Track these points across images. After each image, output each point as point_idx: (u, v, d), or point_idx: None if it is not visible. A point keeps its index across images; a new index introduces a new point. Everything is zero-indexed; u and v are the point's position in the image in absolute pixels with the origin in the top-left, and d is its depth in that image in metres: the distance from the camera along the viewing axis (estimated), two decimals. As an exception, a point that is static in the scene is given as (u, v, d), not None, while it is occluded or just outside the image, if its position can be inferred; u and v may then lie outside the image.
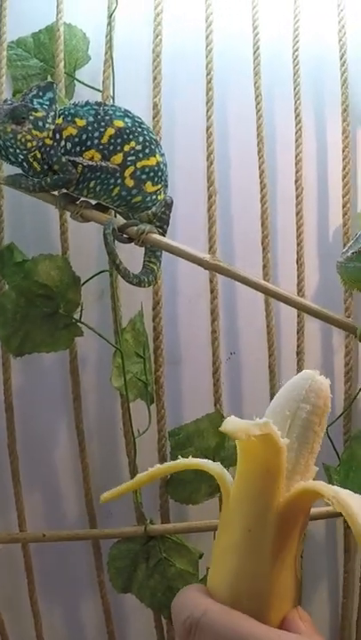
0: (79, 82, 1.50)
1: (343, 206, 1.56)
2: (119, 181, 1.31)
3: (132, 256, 1.42)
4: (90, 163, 1.28)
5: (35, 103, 1.26)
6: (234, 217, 1.62)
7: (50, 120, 1.27)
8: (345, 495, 0.74)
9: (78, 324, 1.39)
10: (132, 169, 1.32)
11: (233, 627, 0.69)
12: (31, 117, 1.25)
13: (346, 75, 1.57)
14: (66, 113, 1.29)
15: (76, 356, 1.50)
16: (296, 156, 1.57)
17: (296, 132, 1.57)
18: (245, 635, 0.68)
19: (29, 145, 1.25)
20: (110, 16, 1.47)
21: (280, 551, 0.76)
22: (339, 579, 1.69)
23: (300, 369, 1.58)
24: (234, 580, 0.75)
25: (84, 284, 1.40)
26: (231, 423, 0.74)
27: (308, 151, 1.61)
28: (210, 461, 0.81)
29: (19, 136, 1.24)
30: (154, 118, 1.48)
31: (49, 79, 1.41)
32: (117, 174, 1.30)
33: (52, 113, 1.27)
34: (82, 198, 1.36)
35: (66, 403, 1.54)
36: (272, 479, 0.75)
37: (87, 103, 1.30)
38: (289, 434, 0.79)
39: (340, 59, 1.57)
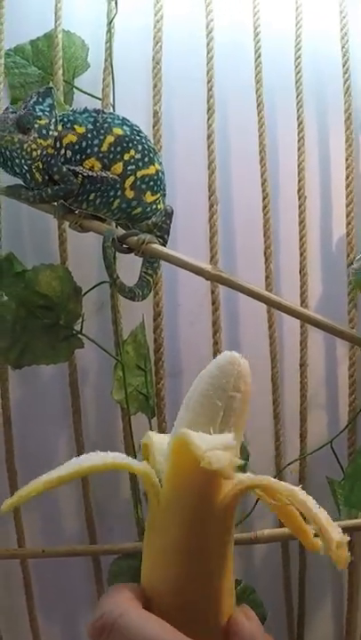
0: (78, 89, 1.48)
1: (347, 216, 1.55)
2: (119, 193, 1.29)
3: (131, 267, 1.40)
4: (90, 173, 1.26)
5: (37, 110, 1.24)
6: (236, 227, 1.61)
7: (52, 127, 1.25)
8: (301, 492, 0.72)
9: (79, 335, 1.37)
10: (132, 179, 1.30)
11: (145, 632, 0.66)
12: (36, 126, 1.23)
13: (349, 82, 1.56)
14: (65, 120, 1.27)
15: (76, 368, 1.48)
16: (298, 165, 1.56)
17: (298, 141, 1.56)
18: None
19: (34, 154, 1.23)
20: (110, 23, 1.46)
21: (223, 547, 0.73)
22: (343, 593, 1.67)
23: (303, 381, 1.57)
24: (179, 584, 0.71)
25: (84, 295, 1.38)
26: (215, 459, 0.66)
27: (310, 160, 1.60)
28: (134, 460, 0.76)
29: (25, 146, 1.22)
30: (154, 127, 1.46)
31: (48, 85, 1.39)
32: (117, 186, 1.29)
33: (54, 119, 1.25)
34: (80, 209, 1.35)
35: (65, 416, 1.52)
36: (213, 479, 0.72)
37: (85, 110, 1.29)
38: (222, 425, 0.75)
39: (343, 66, 1.56)
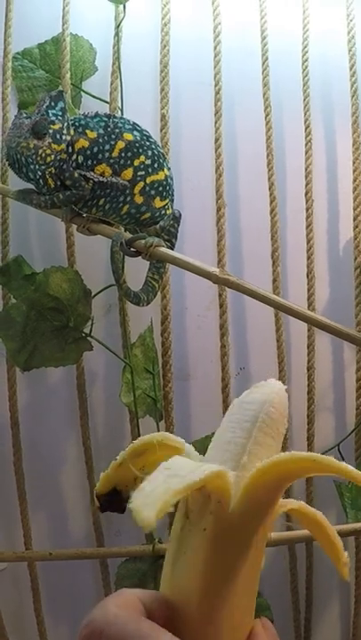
0: (86, 93, 1.48)
1: (354, 219, 1.55)
2: (128, 199, 1.30)
3: (138, 270, 1.40)
4: (100, 179, 1.26)
5: (50, 115, 1.24)
6: (243, 230, 1.61)
7: (65, 131, 1.25)
8: (320, 516, 0.72)
9: (88, 338, 1.38)
10: (141, 185, 1.30)
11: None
12: (50, 131, 1.23)
13: (356, 86, 1.56)
14: (76, 124, 1.27)
15: (83, 371, 1.49)
16: (306, 169, 1.56)
17: (306, 144, 1.56)
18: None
19: (48, 159, 1.23)
20: (118, 26, 1.46)
21: (255, 568, 0.72)
22: (350, 598, 1.67)
23: (310, 384, 1.57)
24: (207, 599, 0.68)
25: (92, 297, 1.38)
26: (139, 518, 0.61)
27: (317, 163, 1.60)
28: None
29: (40, 151, 1.22)
30: (161, 130, 1.47)
31: (59, 89, 1.40)
32: (127, 191, 1.29)
33: (66, 124, 1.25)
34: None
35: (73, 419, 1.52)
36: (273, 508, 0.71)
37: (97, 114, 1.28)
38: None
39: (350, 70, 1.56)
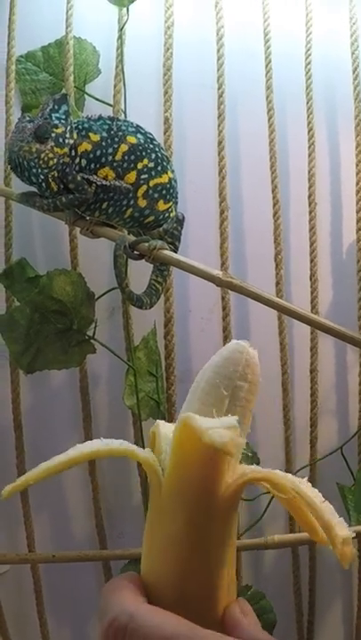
0: (89, 96, 1.48)
1: (357, 222, 1.55)
2: (132, 202, 1.30)
3: (142, 273, 1.40)
4: (103, 182, 1.26)
5: (53, 118, 1.24)
6: (246, 233, 1.61)
7: (68, 135, 1.25)
8: (305, 485, 0.70)
9: (91, 341, 1.38)
10: (144, 188, 1.30)
11: (161, 631, 0.63)
12: (53, 135, 1.23)
13: (359, 89, 1.56)
14: (80, 127, 1.27)
15: (86, 374, 1.49)
16: (309, 172, 1.56)
17: (309, 147, 1.56)
18: (169, 635, 0.62)
19: (51, 163, 1.23)
20: (121, 29, 1.46)
21: (225, 540, 0.72)
22: (353, 599, 1.67)
23: (313, 387, 1.57)
24: (179, 576, 0.70)
25: (96, 300, 1.38)
26: (218, 436, 0.64)
27: (320, 166, 1.60)
28: (139, 448, 0.74)
29: (42, 155, 1.22)
30: (165, 133, 1.47)
31: (63, 92, 1.40)
32: (130, 195, 1.29)
33: (69, 127, 1.25)
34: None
35: (76, 421, 1.52)
36: (216, 467, 0.70)
37: (100, 117, 1.28)
38: (227, 413, 0.73)
39: (353, 72, 1.56)
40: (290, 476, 0.71)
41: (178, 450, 0.70)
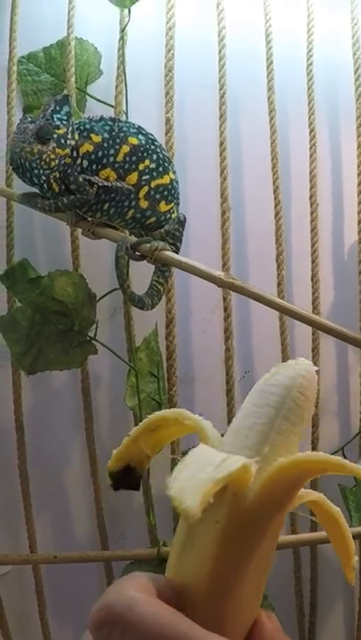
0: (91, 97, 1.48)
1: (359, 223, 1.55)
2: (133, 203, 1.30)
3: (143, 274, 1.40)
4: (105, 183, 1.26)
5: (55, 119, 1.24)
6: (248, 234, 1.61)
7: (70, 136, 1.25)
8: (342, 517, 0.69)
9: (92, 341, 1.38)
10: (146, 189, 1.30)
11: (157, 630, 0.58)
12: (55, 136, 1.23)
13: (360, 89, 1.56)
14: (81, 128, 1.27)
15: (88, 374, 1.49)
16: (310, 172, 1.56)
17: (310, 148, 1.56)
18: (171, 635, 0.58)
19: (52, 164, 1.23)
20: (123, 30, 1.46)
21: (269, 554, 0.69)
22: (354, 600, 1.67)
23: (315, 388, 1.56)
24: (217, 584, 0.66)
25: (97, 301, 1.38)
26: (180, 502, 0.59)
27: (322, 167, 1.60)
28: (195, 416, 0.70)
29: (44, 156, 1.22)
30: (166, 134, 1.47)
31: (64, 93, 1.40)
32: (132, 196, 1.29)
33: (71, 128, 1.25)
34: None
35: (77, 422, 1.52)
36: (292, 499, 0.68)
37: (102, 118, 1.28)
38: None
39: (355, 73, 1.56)
40: (332, 505, 0.70)
41: (275, 478, 0.66)
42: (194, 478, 0.61)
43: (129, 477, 0.74)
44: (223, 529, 0.67)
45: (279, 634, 0.69)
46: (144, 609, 0.59)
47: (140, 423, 0.72)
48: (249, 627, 0.69)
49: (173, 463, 1.46)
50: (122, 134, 1.28)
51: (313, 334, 1.56)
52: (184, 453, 1.41)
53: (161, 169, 1.31)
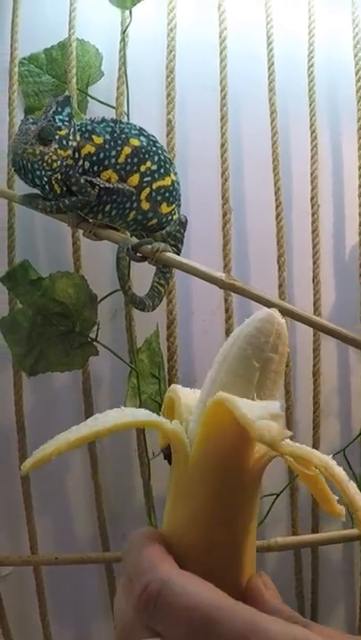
0: (92, 98, 1.48)
1: (360, 224, 1.55)
2: (135, 205, 1.30)
3: (144, 276, 1.40)
4: (107, 184, 1.26)
5: (57, 120, 1.23)
6: (249, 235, 1.61)
7: (71, 137, 1.24)
8: (334, 464, 0.68)
9: (94, 343, 1.38)
10: (147, 190, 1.30)
11: (193, 599, 0.61)
12: (56, 137, 1.23)
13: (361, 91, 1.56)
14: (83, 129, 1.27)
15: (89, 376, 1.49)
16: (311, 174, 1.56)
17: (312, 149, 1.56)
18: (206, 609, 0.60)
19: (54, 165, 1.23)
20: (124, 32, 1.46)
21: (250, 515, 0.71)
22: (355, 601, 1.67)
23: (316, 389, 1.56)
24: (204, 549, 0.69)
25: (98, 302, 1.38)
26: (267, 431, 0.61)
27: (323, 168, 1.60)
28: (165, 420, 0.71)
29: (45, 157, 1.22)
30: (167, 135, 1.47)
31: (66, 94, 1.40)
32: (133, 197, 1.29)
33: (72, 129, 1.25)
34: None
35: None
36: (247, 443, 0.69)
37: (103, 120, 1.28)
38: (258, 388, 0.71)
39: (356, 75, 1.56)
40: (317, 453, 0.69)
41: (208, 424, 0.69)
42: (254, 406, 0.65)
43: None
44: (174, 488, 0.72)
45: (277, 600, 0.70)
46: (180, 582, 0.62)
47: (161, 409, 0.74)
48: (239, 580, 0.71)
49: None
50: (123, 136, 1.28)
51: (314, 335, 1.56)
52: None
53: (162, 170, 1.31)
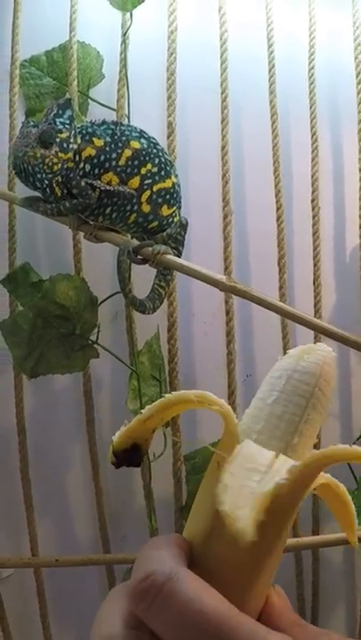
0: (93, 100, 1.48)
1: (360, 226, 1.54)
2: (135, 208, 1.29)
3: (145, 278, 1.40)
4: (107, 187, 1.26)
5: (58, 123, 1.23)
6: (250, 237, 1.61)
7: (72, 140, 1.24)
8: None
9: (94, 345, 1.38)
10: (148, 193, 1.30)
11: (200, 603, 0.58)
12: (57, 140, 1.23)
13: (362, 93, 1.56)
14: (84, 132, 1.27)
15: (90, 378, 1.49)
16: (312, 176, 1.56)
17: (312, 151, 1.56)
18: (212, 615, 0.57)
19: (55, 168, 1.23)
20: (125, 34, 1.46)
21: (281, 533, 0.69)
22: (356, 603, 1.67)
23: (317, 391, 1.56)
24: (235, 570, 0.65)
25: (99, 305, 1.38)
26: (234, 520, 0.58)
27: (324, 170, 1.60)
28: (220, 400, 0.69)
29: (46, 160, 1.21)
30: (168, 137, 1.47)
31: (67, 96, 1.40)
32: (134, 200, 1.29)
33: (73, 132, 1.25)
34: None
35: (79, 426, 1.52)
36: (311, 482, 0.69)
37: (104, 122, 1.28)
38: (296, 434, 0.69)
39: (356, 76, 1.56)
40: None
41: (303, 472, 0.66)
42: (243, 492, 0.61)
43: (133, 455, 0.74)
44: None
45: (288, 611, 0.69)
46: (186, 583, 0.59)
47: (154, 404, 0.72)
48: (262, 603, 0.69)
49: (176, 468, 1.46)
50: (124, 138, 1.28)
51: (315, 338, 1.55)
52: (186, 458, 1.41)
53: (163, 173, 1.31)
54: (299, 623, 0.68)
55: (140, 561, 0.64)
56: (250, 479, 0.62)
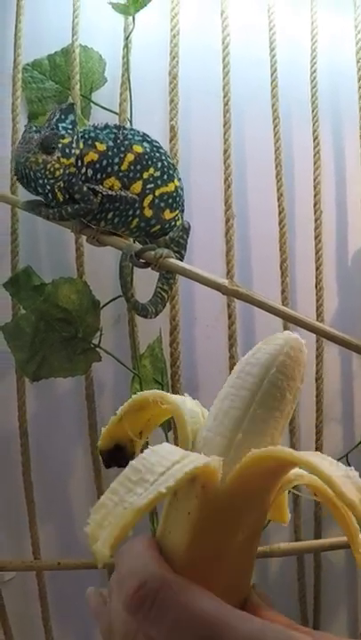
0: (95, 104, 1.48)
1: (363, 230, 1.55)
2: (138, 212, 1.29)
3: (148, 282, 1.40)
4: (109, 192, 1.26)
5: (60, 128, 1.23)
6: (252, 241, 1.61)
7: (74, 145, 1.24)
8: (315, 459, 0.64)
9: (96, 349, 1.38)
10: (150, 197, 1.30)
11: (195, 605, 0.59)
12: (59, 145, 1.23)
13: (364, 97, 1.56)
14: (86, 136, 1.26)
15: (92, 381, 1.49)
16: (315, 180, 1.56)
17: (314, 155, 1.56)
18: (212, 619, 0.59)
19: (57, 174, 1.23)
20: (127, 38, 1.46)
21: (259, 538, 0.70)
22: (358, 607, 1.67)
23: (319, 395, 1.56)
24: (208, 571, 0.66)
25: (101, 308, 1.38)
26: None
27: (326, 174, 1.60)
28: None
29: (48, 166, 1.21)
30: (171, 141, 1.47)
31: (70, 100, 1.40)
32: (136, 205, 1.28)
33: (75, 137, 1.25)
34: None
35: (82, 429, 1.52)
36: (277, 479, 0.69)
37: (107, 126, 1.28)
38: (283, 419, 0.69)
39: (358, 80, 1.56)
40: (293, 451, 0.65)
41: (249, 467, 0.65)
42: (116, 510, 0.62)
43: (119, 456, 0.74)
44: (195, 521, 0.66)
45: (273, 611, 0.68)
46: (179, 588, 0.61)
47: (125, 403, 0.72)
48: (240, 597, 0.69)
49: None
50: (126, 142, 1.28)
51: (317, 341, 1.56)
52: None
53: (166, 177, 1.31)
54: (283, 621, 0.67)
55: (124, 569, 0.65)
56: (131, 493, 0.62)
